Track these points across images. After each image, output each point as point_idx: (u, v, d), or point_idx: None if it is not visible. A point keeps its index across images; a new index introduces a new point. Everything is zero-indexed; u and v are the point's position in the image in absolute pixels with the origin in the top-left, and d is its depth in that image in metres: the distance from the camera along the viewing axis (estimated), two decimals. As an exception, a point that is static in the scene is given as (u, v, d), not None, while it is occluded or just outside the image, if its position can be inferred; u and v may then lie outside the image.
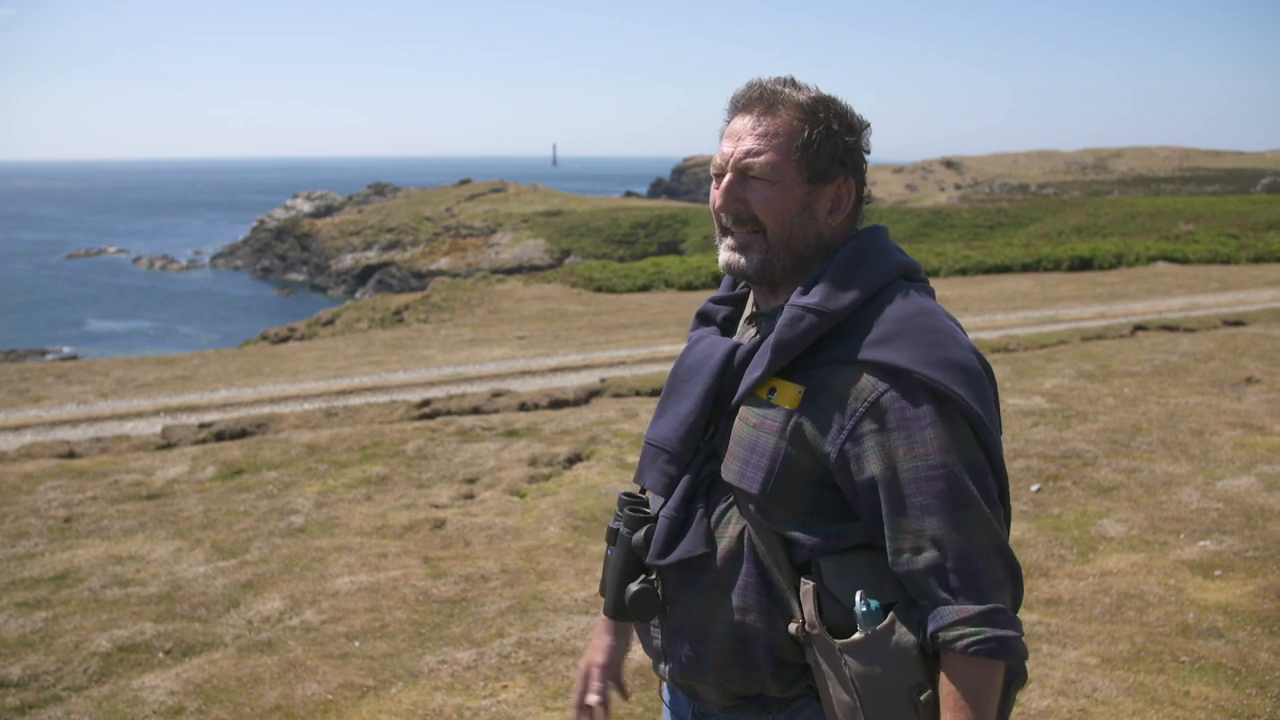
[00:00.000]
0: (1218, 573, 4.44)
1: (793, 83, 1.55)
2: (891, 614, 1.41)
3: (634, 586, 1.57)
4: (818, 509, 1.46)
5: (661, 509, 1.57)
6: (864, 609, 1.41)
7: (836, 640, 1.42)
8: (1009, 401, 7.78)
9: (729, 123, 1.57)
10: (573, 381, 9.93)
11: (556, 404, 8.82)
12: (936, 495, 1.38)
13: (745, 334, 1.62)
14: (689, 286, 22.96)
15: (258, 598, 4.45)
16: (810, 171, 1.50)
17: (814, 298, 1.46)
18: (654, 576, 1.59)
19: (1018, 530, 5.01)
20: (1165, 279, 19.88)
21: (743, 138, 1.52)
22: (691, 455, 1.56)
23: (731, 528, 1.52)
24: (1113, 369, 9.16)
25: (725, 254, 1.56)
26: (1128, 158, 78.80)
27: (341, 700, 3.53)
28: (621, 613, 1.59)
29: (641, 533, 1.58)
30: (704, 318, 1.70)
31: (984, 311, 14.86)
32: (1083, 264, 24.34)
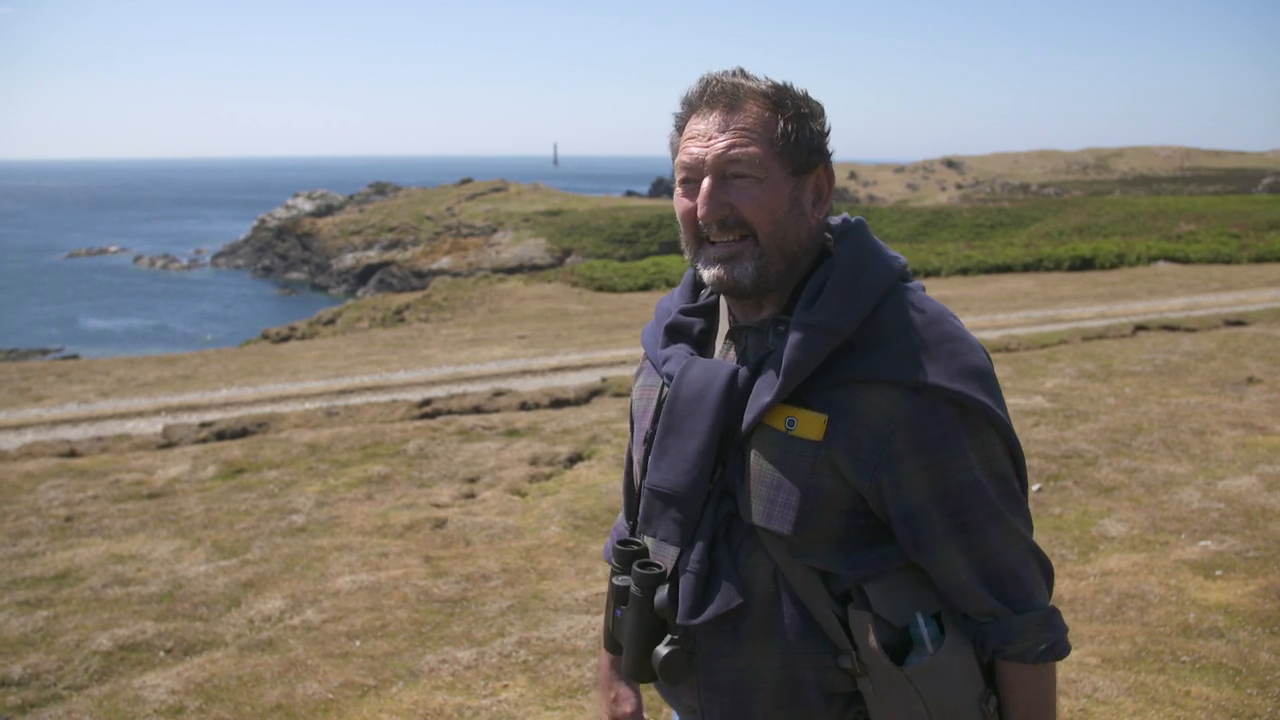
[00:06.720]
0: (1219, 573, 4.43)
1: (744, 73, 1.43)
2: (949, 630, 1.38)
3: (663, 650, 1.43)
4: (849, 536, 1.38)
5: (680, 561, 1.43)
6: (927, 630, 1.37)
7: (904, 669, 1.34)
8: (1009, 401, 7.78)
9: (685, 125, 1.44)
10: (574, 381, 9.92)
11: (557, 403, 8.83)
12: (978, 509, 1.35)
13: (728, 353, 1.48)
14: (690, 286, 22.96)
15: (258, 597, 4.45)
16: (793, 164, 1.40)
17: (823, 314, 1.35)
18: (678, 635, 1.45)
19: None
20: (1166, 279, 19.87)
21: (715, 137, 1.39)
22: (704, 499, 1.42)
23: (761, 570, 1.40)
24: (1114, 369, 9.15)
25: (711, 269, 1.41)
26: (1129, 157, 78.80)
27: (342, 699, 3.53)
28: (647, 675, 1.45)
29: (663, 592, 1.43)
30: (675, 333, 1.54)
31: (985, 311, 14.86)
32: (1084, 264, 24.34)
